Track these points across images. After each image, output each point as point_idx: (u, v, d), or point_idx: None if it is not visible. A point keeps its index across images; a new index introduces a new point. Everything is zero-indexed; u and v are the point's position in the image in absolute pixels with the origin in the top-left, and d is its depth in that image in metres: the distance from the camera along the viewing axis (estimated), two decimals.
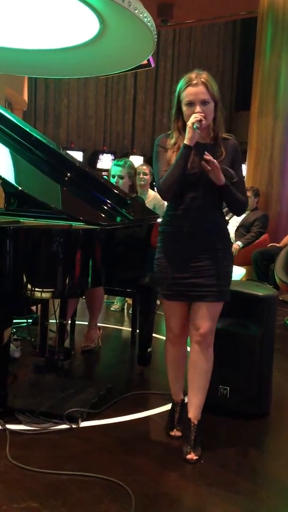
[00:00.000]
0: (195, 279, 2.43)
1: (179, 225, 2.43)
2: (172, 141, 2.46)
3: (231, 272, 2.54)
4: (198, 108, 2.36)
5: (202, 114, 2.34)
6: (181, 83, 2.42)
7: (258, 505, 2.17)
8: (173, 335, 2.61)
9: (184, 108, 2.41)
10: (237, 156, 2.51)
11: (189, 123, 2.34)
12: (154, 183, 8.19)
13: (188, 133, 2.34)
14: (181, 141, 2.40)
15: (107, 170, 4.33)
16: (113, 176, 4.12)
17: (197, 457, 2.44)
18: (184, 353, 2.65)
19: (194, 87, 2.37)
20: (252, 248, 6.39)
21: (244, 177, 2.63)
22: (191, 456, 2.44)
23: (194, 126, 2.31)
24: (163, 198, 2.59)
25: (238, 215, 2.69)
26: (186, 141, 2.35)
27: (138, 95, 12.83)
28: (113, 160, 4.40)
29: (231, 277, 2.54)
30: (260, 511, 2.15)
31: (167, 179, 2.39)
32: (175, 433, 2.63)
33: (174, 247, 2.46)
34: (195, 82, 2.37)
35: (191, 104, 2.38)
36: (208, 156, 2.34)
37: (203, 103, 2.37)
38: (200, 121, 2.33)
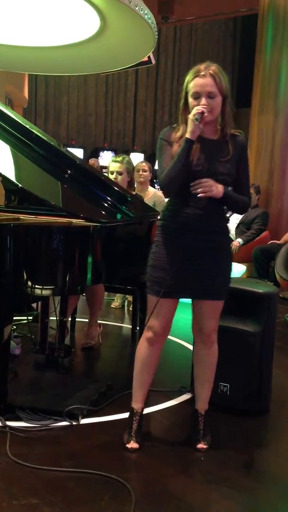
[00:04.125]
0: (199, 277, 2.39)
1: (182, 222, 2.36)
2: (179, 134, 2.37)
3: (231, 270, 2.52)
4: (203, 101, 2.28)
5: (206, 107, 2.27)
6: (189, 74, 2.34)
7: (258, 502, 2.18)
8: (154, 334, 2.46)
9: (190, 100, 2.33)
10: (245, 154, 2.45)
11: (190, 116, 2.28)
12: (154, 180, 8.21)
13: (189, 126, 2.28)
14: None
15: (107, 168, 4.34)
16: (112, 173, 4.12)
17: (207, 446, 2.49)
18: (158, 356, 2.54)
19: (201, 78, 2.29)
20: (252, 245, 6.39)
21: (249, 178, 2.56)
22: (202, 445, 2.49)
23: (194, 118, 2.24)
24: (165, 193, 2.48)
25: (240, 213, 2.64)
26: (187, 135, 2.28)
27: (139, 92, 12.80)
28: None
29: (230, 275, 2.53)
30: (260, 507, 2.15)
31: (168, 174, 2.32)
32: (132, 445, 2.45)
33: (176, 243, 2.38)
34: (203, 73, 2.29)
35: (197, 96, 2.30)
36: (195, 187, 2.30)
37: (210, 96, 2.29)
38: (202, 113, 2.25)
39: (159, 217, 2.52)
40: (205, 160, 2.33)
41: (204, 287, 2.41)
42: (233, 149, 2.38)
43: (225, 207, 2.47)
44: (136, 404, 2.54)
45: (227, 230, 2.49)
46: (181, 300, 2.51)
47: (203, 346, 2.53)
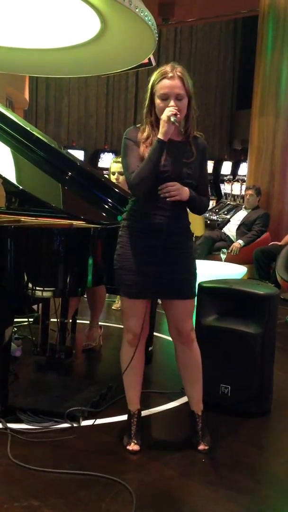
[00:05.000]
0: (167, 277, 2.40)
1: (148, 222, 2.37)
2: (145, 134, 2.37)
3: (196, 268, 2.52)
4: (172, 103, 2.28)
5: (177, 108, 2.27)
6: (155, 75, 2.34)
7: (259, 504, 2.17)
8: (133, 335, 2.47)
9: (157, 101, 2.33)
10: (205, 157, 2.47)
11: (164, 117, 2.26)
12: None
13: (162, 127, 2.27)
14: (154, 136, 2.33)
15: (108, 169, 4.35)
16: (113, 173, 4.13)
17: (208, 446, 2.48)
18: (142, 356, 2.56)
19: (169, 80, 2.29)
20: (253, 246, 6.39)
21: (208, 179, 2.58)
22: (202, 446, 2.49)
23: (173, 119, 2.24)
24: (134, 194, 2.44)
25: (200, 214, 2.66)
26: (160, 136, 2.27)
27: (140, 94, 12.79)
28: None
29: (196, 273, 2.53)
30: (261, 509, 2.15)
31: (138, 175, 2.30)
32: (133, 447, 2.46)
33: (142, 244, 2.38)
34: (171, 75, 2.29)
35: (165, 97, 2.30)
36: (163, 191, 2.31)
37: (178, 97, 2.30)
38: (175, 115, 2.25)
39: (123, 217, 2.50)
40: (172, 162, 2.34)
41: (173, 287, 2.42)
42: (196, 151, 2.40)
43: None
44: (131, 406, 2.55)
45: (189, 230, 2.51)
46: None
47: (184, 347, 2.52)
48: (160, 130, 2.28)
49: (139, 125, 2.44)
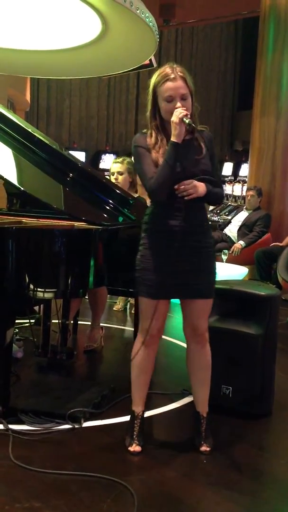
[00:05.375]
0: (188, 277, 2.41)
1: (171, 224, 2.38)
2: (153, 140, 2.38)
3: (216, 268, 2.53)
4: (178, 103, 2.29)
5: (185, 108, 2.28)
6: (156, 78, 2.34)
7: (260, 505, 2.17)
8: (151, 337, 2.47)
9: (162, 104, 2.33)
10: (213, 148, 2.48)
11: (175, 119, 2.26)
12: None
13: (175, 129, 2.27)
14: (162, 140, 2.34)
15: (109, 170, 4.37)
16: (112, 174, 4.14)
17: (210, 448, 2.49)
18: (153, 357, 2.56)
19: (172, 82, 2.29)
20: (254, 247, 6.39)
21: (218, 169, 2.62)
22: (205, 448, 2.49)
23: (188, 121, 2.25)
24: (156, 199, 2.44)
25: (217, 205, 2.69)
26: (174, 138, 2.28)
27: (141, 95, 12.81)
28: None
29: (216, 273, 2.54)
30: (262, 510, 2.15)
31: (158, 180, 2.32)
32: (135, 448, 2.46)
33: (164, 245, 2.39)
34: (173, 76, 2.30)
35: (171, 99, 2.31)
36: (180, 190, 2.32)
37: (183, 97, 2.30)
38: (187, 115, 2.26)
39: (144, 221, 2.51)
40: (184, 161, 2.34)
41: (194, 287, 2.42)
42: (204, 145, 2.41)
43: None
44: (136, 407, 2.55)
45: (209, 228, 2.53)
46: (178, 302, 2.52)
47: (197, 347, 2.53)
48: (173, 132, 2.29)
49: (144, 130, 2.45)
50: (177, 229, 2.36)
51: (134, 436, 2.49)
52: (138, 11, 3.70)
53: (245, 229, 6.66)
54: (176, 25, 10.72)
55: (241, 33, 14.36)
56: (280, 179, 7.09)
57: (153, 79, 2.36)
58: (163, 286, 2.39)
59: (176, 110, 2.28)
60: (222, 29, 14.13)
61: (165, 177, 2.32)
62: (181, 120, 2.26)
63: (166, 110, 2.33)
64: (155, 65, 7.34)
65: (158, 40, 4.33)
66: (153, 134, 2.39)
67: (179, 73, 2.31)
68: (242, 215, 6.90)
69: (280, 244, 6.18)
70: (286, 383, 3.44)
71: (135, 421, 2.53)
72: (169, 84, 2.30)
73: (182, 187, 2.33)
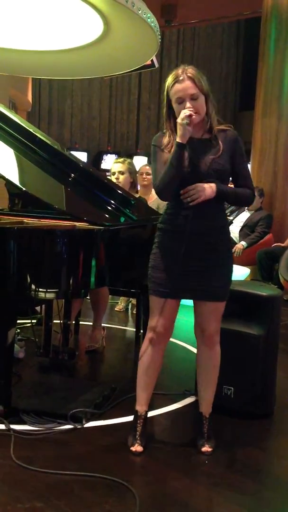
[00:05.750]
0: (199, 278, 2.40)
1: (180, 224, 2.38)
2: (166, 140, 2.42)
3: (232, 271, 2.52)
4: (188, 104, 2.31)
5: (192, 109, 2.29)
6: (169, 80, 2.37)
7: (263, 506, 2.17)
8: (157, 335, 2.47)
9: (174, 106, 2.37)
10: (238, 147, 2.45)
11: (179, 120, 2.29)
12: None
13: (179, 131, 2.29)
14: (174, 140, 2.35)
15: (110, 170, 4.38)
16: (113, 173, 4.14)
17: (211, 449, 2.49)
18: (161, 357, 2.55)
19: (180, 83, 2.32)
20: (256, 248, 6.39)
21: (247, 170, 2.57)
22: (206, 448, 2.49)
23: (185, 122, 2.26)
24: (161, 199, 2.50)
25: (247, 206, 2.67)
26: (178, 139, 2.30)
27: (142, 96, 12.82)
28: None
29: (232, 276, 2.53)
30: (264, 511, 2.15)
31: (162, 180, 2.35)
32: (137, 448, 2.45)
33: (175, 245, 2.39)
34: (181, 78, 2.32)
35: (181, 101, 2.33)
36: (184, 196, 2.33)
37: (193, 98, 2.32)
38: (189, 116, 2.27)
39: (159, 221, 2.53)
40: (197, 161, 2.35)
41: (205, 288, 2.42)
42: (223, 144, 2.40)
43: (229, 209, 2.50)
44: (140, 407, 2.55)
45: (226, 229, 2.51)
46: (185, 303, 2.51)
47: (206, 348, 2.53)
48: (178, 133, 2.31)
49: (165, 130, 2.47)
50: (187, 229, 2.35)
51: (137, 436, 2.49)
52: (139, 12, 3.71)
53: (247, 229, 6.66)
54: (178, 26, 10.72)
55: (243, 33, 14.36)
56: (282, 180, 7.09)
57: (167, 81, 2.38)
58: (171, 285, 2.40)
59: (182, 111, 2.30)
60: (224, 30, 14.13)
61: (169, 177, 2.33)
62: (182, 121, 2.27)
63: (177, 112, 2.36)
64: (156, 65, 7.35)
65: (159, 40, 4.33)
66: (167, 135, 2.43)
67: (188, 74, 2.33)
68: (244, 216, 6.90)
69: (282, 245, 6.18)
70: None
71: (138, 421, 2.53)
72: (177, 86, 2.33)
73: (186, 194, 2.34)
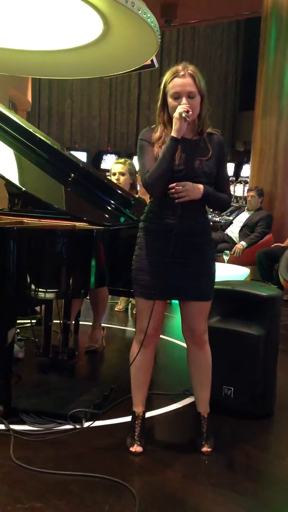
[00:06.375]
0: (184, 278, 2.40)
1: (165, 223, 2.37)
2: (157, 135, 2.39)
3: (215, 270, 2.52)
4: (184, 101, 2.29)
5: (189, 106, 2.28)
6: (167, 74, 2.35)
7: (262, 506, 2.17)
8: (147, 337, 2.45)
9: (169, 100, 2.34)
10: (222, 152, 2.45)
11: (176, 114, 2.27)
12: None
13: (175, 125, 2.27)
14: (166, 135, 2.34)
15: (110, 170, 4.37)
16: (114, 174, 4.13)
17: (211, 449, 2.49)
18: (152, 357, 2.56)
19: (181, 78, 2.30)
20: (256, 248, 6.39)
21: (228, 175, 2.58)
22: (206, 448, 2.49)
23: (184, 115, 2.24)
24: (150, 194, 2.45)
25: (222, 211, 2.66)
26: (173, 133, 2.28)
27: (142, 95, 12.81)
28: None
29: (215, 275, 2.52)
30: (264, 511, 2.14)
31: (153, 174, 2.32)
32: (136, 449, 2.45)
33: (159, 245, 2.39)
34: (182, 73, 2.31)
35: (177, 96, 2.31)
36: (171, 191, 2.31)
37: (190, 95, 2.31)
38: (187, 111, 2.26)
39: (141, 219, 2.50)
40: (187, 160, 2.34)
41: (190, 288, 2.41)
42: (212, 148, 2.40)
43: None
44: (136, 408, 2.55)
45: (208, 230, 2.51)
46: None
47: (196, 348, 2.53)
48: (173, 127, 2.29)
49: (153, 126, 2.45)
50: (172, 229, 2.34)
51: (135, 437, 2.49)
52: (139, 12, 3.71)
53: (246, 229, 6.66)
54: (178, 26, 10.71)
55: (243, 33, 14.36)
56: (282, 180, 7.09)
57: (165, 76, 2.37)
58: (157, 287, 2.37)
59: (179, 106, 2.28)
60: (224, 30, 14.13)
61: (161, 171, 2.30)
62: (181, 115, 2.26)
63: (172, 107, 2.34)
64: (156, 65, 7.35)
65: (159, 40, 4.33)
66: (159, 129, 2.40)
67: (189, 71, 2.32)
68: (244, 216, 6.89)
69: (282, 245, 6.18)
70: None
71: (136, 422, 2.53)
72: (177, 80, 2.31)
73: (173, 189, 2.32)
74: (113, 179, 4.12)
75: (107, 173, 6.07)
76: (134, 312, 4.78)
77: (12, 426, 2.61)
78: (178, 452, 2.52)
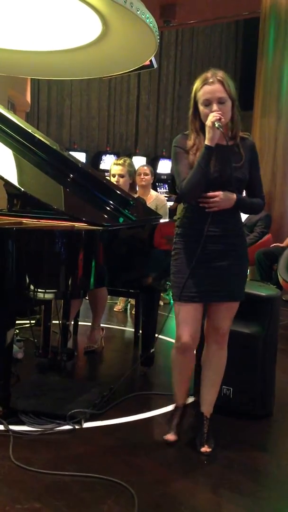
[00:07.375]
0: (220, 281, 2.43)
1: (200, 228, 2.40)
2: (191, 142, 2.41)
3: (247, 270, 2.56)
4: (215, 107, 2.31)
5: (220, 113, 2.30)
6: (197, 82, 2.37)
7: (261, 506, 2.17)
8: (183, 344, 2.48)
9: (201, 107, 2.36)
10: (255, 156, 2.47)
11: (208, 123, 2.30)
12: (157, 184, 8.30)
13: (208, 133, 2.30)
14: (199, 143, 2.36)
15: (109, 171, 4.36)
16: (113, 175, 4.13)
17: (210, 449, 2.51)
18: (192, 359, 2.61)
19: (210, 85, 2.32)
20: (255, 248, 6.38)
21: (260, 178, 2.56)
22: (205, 448, 2.51)
23: (217, 125, 2.27)
24: (186, 201, 2.49)
25: (255, 215, 2.69)
26: (207, 142, 2.31)
27: (142, 96, 12.80)
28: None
29: (247, 275, 2.57)
30: (263, 511, 2.14)
31: (189, 182, 2.34)
32: (169, 437, 2.56)
33: (190, 249, 2.42)
34: (211, 80, 2.32)
35: (208, 103, 2.33)
36: (202, 200, 2.35)
37: (220, 101, 2.32)
38: (220, 119, 2.27)
39: (176, 225, 2.54)
40: (221, 167, 2.36)
41: (224, 290, 2.45)
42: (244, 153, 2.42)
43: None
44: (177, 403, 2.66)
45: (241, 231, 2.54)
46: None
47: (217, 347, 2.57)
48: (206, 136, 2.31)
49: (187, 132, 2.47)
50: (207, 233, 2.38)
51: (172, 426, 2.61)
52: (138, 12, 3.71)
53: (245, 229, 6.64)
54: (177, 26, 10.70)
55: (242, 34, 14.35)
56: (281, 180, 7.09)
57: (195, 83, 2.38)
58: (194, 290, 2.42)
59: (210, 114, 2.30)
60: (223, 30, 14.13)
61: (196, 179, 2.33)
62: (213, 124, 2.27)
63: (203, 114, 2.36)
64: (155, 65, 7.34)
65: (158, 40, 4.33)
66: (192, 137, 2.42)
67: (218, 77, 2.33)
68: (243, 216, 6.87)
69: (281, 245, 6.17)
70: (287, 384, 3.44)
71: (176, 413, 2.65)
72: (206, 87, 2.33)
73: (205, 200, 2.36)
74: (113, 180, 4.11)
75: (106, 174, 6.07)
76: (133, 312, 4.78)
77: (11, 427, 2.61)
78: (177, 452, 2.52)
